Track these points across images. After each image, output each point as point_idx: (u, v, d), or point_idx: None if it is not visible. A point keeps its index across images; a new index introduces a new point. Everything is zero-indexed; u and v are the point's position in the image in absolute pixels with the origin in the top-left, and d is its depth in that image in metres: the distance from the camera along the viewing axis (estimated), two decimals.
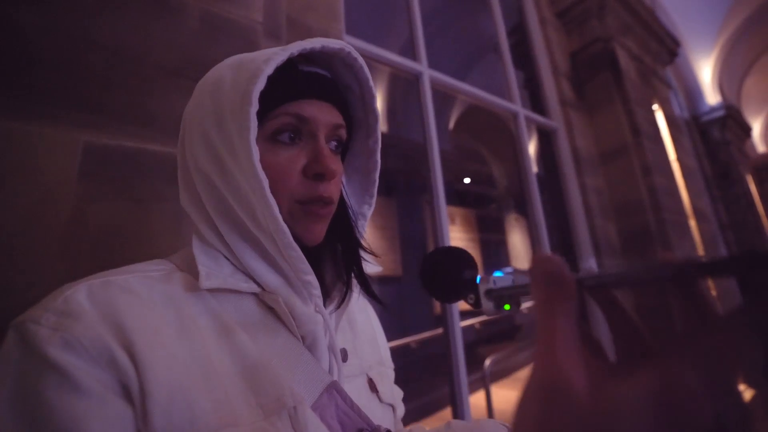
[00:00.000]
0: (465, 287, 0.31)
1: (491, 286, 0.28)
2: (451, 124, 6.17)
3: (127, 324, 0.32)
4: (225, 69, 0.42)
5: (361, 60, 0.45)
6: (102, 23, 0.75)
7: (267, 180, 0.38)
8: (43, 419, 0.28)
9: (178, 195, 0.77)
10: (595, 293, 0.23)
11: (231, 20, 0.93)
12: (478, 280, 0.29)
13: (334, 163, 0.42)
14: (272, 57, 0.38)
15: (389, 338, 0.62)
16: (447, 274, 0.33)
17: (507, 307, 0.27)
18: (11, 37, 0.66)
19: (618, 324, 0.22)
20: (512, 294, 0.27)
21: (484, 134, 6.40)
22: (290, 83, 0.41)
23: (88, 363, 0.30)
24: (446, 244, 1.71)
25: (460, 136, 6.35)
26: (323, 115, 0.42)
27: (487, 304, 0.28)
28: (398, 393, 0.55)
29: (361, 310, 0.56)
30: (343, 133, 0.45)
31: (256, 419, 0.34)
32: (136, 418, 0.30)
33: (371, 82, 0.47)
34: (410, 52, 2.07)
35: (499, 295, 0.27)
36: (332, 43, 0.42)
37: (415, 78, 2.02)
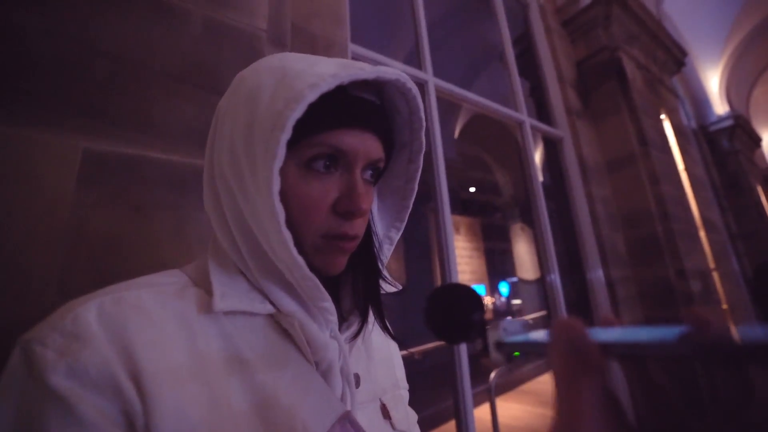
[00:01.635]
0: (473, 331, 0.29)
1: (501, 337, 0.26)
2: (456, 133, 6.17)
3: (136, 351, 0.31)
4: (266, 76, 0.38)
5: (415, 90, 0.42)
6: (103, 28, 0.75)
7: (284, 214, 0.35)
8: None
9: (178, 203, 0.77)
10: (621, 360, 0.20)
11: (234, 27, 0.93)
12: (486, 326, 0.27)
13: (366, 200, 0.39)
14: (319, 83, 0.34)
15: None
16: (454, 315, 0.31)
17: (517, 354, 0.25)
18: (11, 41, 0.66)
19: (645, 393, 0.20)
20: (529, 351, 0.24)
21: (489, 143, 6.40)
22: (335, 110, 0.37)
23: (93, 393, 0.29)
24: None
25: (465, 145, 6.34)
26: (364, 146, 0.39)
27: (496, 356, 0.26)
28: (413, 416, 0.53)
29: (379, 331, 0.53)
30: (381, 165, 0.43)
31: None
32: None
33: (422, 113, 0.45)
34: (415, 60, 2.07)
35: (507, 349, 0.25)
36: (387, 74, 0.39)
37: (421, 86, 2.02)
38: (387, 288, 0.48)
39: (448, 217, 1.82)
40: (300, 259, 0.36)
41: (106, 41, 0.75)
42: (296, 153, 0.37)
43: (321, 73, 0.35)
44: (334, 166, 0.39)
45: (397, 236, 0.50)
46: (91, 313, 0.32)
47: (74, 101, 0.70)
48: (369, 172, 0.41)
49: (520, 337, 0.25)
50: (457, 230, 5.82)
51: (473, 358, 1.70)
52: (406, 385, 0.55)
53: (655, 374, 0.20)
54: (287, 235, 0.35)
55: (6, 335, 0.55)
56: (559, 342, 0.19)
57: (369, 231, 0.47)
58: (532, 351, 0.24)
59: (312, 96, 0.34)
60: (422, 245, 5.36)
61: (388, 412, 0.46)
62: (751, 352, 0.15)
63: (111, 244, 0.68)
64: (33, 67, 0.67)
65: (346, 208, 0.38)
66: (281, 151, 0.33)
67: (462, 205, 6.41)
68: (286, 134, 0.33)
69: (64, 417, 0.28)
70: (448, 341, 0.32)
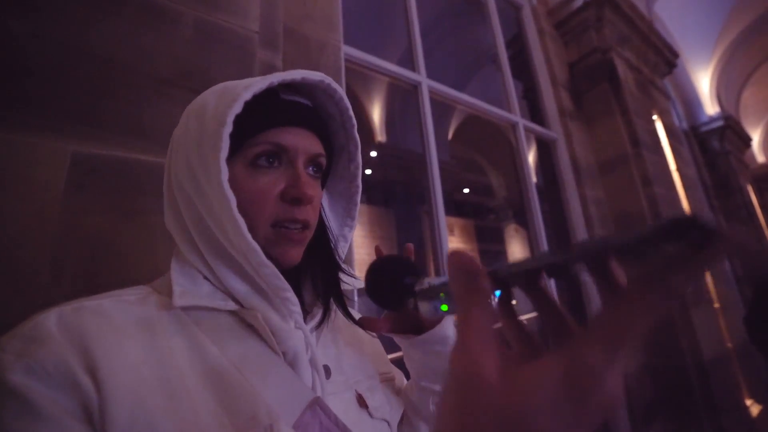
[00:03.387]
0: (405, 293, 0.31)
1: (424, 286, 0.28)
2: (450, 135, 6.19)
3: (93, 348, 0.33)
4: (210, 95, 0.44)
5: (341, 91, 0.47)
6: (94, 32, 0.74)
7: (235, 199, 0.38)
8: None
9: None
10: (520, 283, 0.23)
11: (227, 29, 0.92)
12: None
13: (311, 189, 0.43)
14: (252, 84, 0.40)
15: (385, 350, 0.61)
16: (387, 280, 0.33)
17: (444, 307, 0.27)
18: (0, 46, 0.65)
19: (546, 312, 0.23)
20: (443, 292, 0.27)
21: (483, 144, 6.42)
22: (271, 111, 0.42)
23: (50, 388, 0.30)
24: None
25: (459, 147, 6.36)
26: (302, 142, 0.43)
27: (423, 306, 0.28)
28: (397, 404, 0.53)
29: (346, 324, 0.55)
30: (322, 160, 0.47)
31: None
32: None
33: (351, 112, 0.49)
34: (409, 62, 2.07)
35: (429, 295, 0.27)
36: (312, 75, 0.44)
37: (414, 88, 2.02)
38: (349, 281, 0.52)
39: (443, 219, 1.82)
40: (254, 244, 0.38)
41: (95, 45, 0.74)
42: (242, 153, 0.42)
43: (255, 79, 0.42)
44: (278, 161, 0.43)
45: (350, 233, 0.54)
46: (50, 319, 0.34)
47: (64, 105, 0.69)
48: (311, 168, 0.46)
49: (435, 281, 0.28)
50: (451, 231, 5.83)
51: None
52: (392, 375, 0.56)
53: (549, 294, 0.23)
54: (240, 220, 0.38)
55: None
56: (453, 270, 0.21)
57: (323, 227, 0.51)
58: (444, 291, 0.27)
59: (246, 95, 0.39)
60: (417, 247, 5.37)
61: (364, 401, 0.47)
62: (606, 246, 0.18)
63: (101, 248, 0.68)
64: (22, 71, 0.66)
65: (292, 195, 0.42)
66: (225, 143, 0.38)
67: (456, 207, 6.41)
68: (228, 128, 0.38)
69: (20, 411, 0.29)
70: (387, 307, 0.34)
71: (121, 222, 0.70)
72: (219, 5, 0.92)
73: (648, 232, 0.16)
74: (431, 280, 0.28)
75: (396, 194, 5.20)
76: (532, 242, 2.42)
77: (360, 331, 0.57)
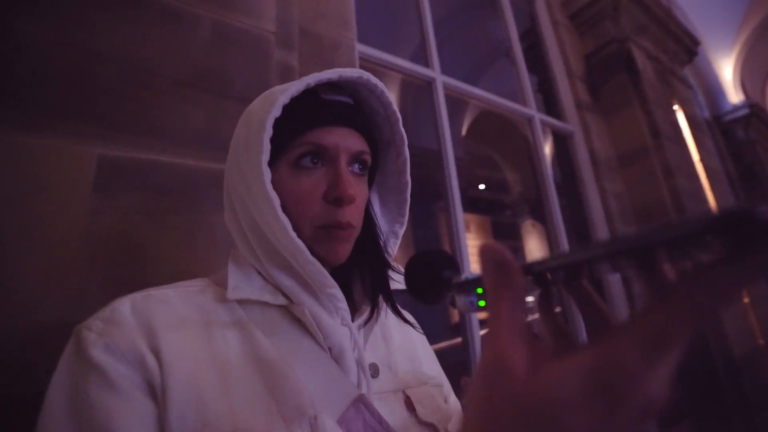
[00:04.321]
0: (444, 286, 0.31)
1: (461, 280, 0.28)
2: (464, 131, 6.13)
3: (158, 332, 0.37)
4: (256, 101, 0.46)
5: (381, 85, 0.47)
6: (112, 35, 0.75)
7: (278, 200, 0.40)
8: (83, 411, 0.33)
9: (191, 207, 0.77)
10: (557, 278, 0.23)
11: (243, 30, 0.93)
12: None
13: (353, 188, 0.43)
14: (289, 88, 0.42)
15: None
16: (425, 273, 0.34)
17: (482, 303, 0.26)
18: (21, 51, 0.67)
19: (585, 309, 0.23)
20: (480, 287, 0.26)
21: (497, 140, 6.34)
22: (310, 112, 0.43)
23: (123, 364, 0.35)
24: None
25: (473, 143, 6.30)
26: (344, 141, 0.44)
27: (460, 300, 0.28)
28: (446, 409, 0.50)
29: (398, 325, 0.55)
30: (366, 158, 0.47)
31: (275, 426, 0.35)
32: (160, 414, 0.34)
33: (394, 106, 0.49)
34: (421, 58, 2.05)
35: (466, 289, 0.27)
36: (349, 73, 0.44)
37: (428, 84, 2.01)
38: (400, 279, 0.50)
39: (460, 216, 1.80)
40: (300, 243, 0.40)
41: (115, 48, 0.75)
42: (286, 155, 0.43)
43: (294, 82, 0.43)
44: (321, 162, 0.44)
45: (401, 230, 0.54)
46: (125, 305, 0.39)
47: (87, 108, 0.71)
48: (356, 165, 0.46)
49: (473, 275, 0.27)
50: (468, 228, 5.79)
51: None
52: (440, 382, 0.54)
53: (589, 291, 0.23)
54: (284, 219, 0.40)
55: (17, 343, 0.55)
56: (485, 262, 0.21)
57: (371, 225, 0.52)
58: (480, 285, 0.26)
59: (284, 98, 0.41)
60: (433, 244, 5.34)
61: (412, 403, 0.46)
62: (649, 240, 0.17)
63: (127, 251, 0.69)
64: (45, 76, 0.68)
65: (334, 194, 0.42)
66: (266, 147, 0.40)
67: (471, 204, 6.36)
68: (268, 132, 0.40)
69: (100, 383, 0.34)
70: (425, 301, 0.34)
71: (145, 222, 0.72)
72: (235, 7, 0.93)
73: (697, 225, 0.14)
74: (468, 274, 0.28)
75: (411, 192, 5.18)
76: (550, 238, 2.38)
77: (411, 331, 0.56)
